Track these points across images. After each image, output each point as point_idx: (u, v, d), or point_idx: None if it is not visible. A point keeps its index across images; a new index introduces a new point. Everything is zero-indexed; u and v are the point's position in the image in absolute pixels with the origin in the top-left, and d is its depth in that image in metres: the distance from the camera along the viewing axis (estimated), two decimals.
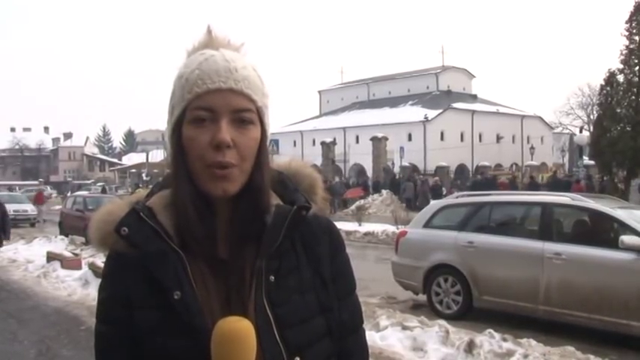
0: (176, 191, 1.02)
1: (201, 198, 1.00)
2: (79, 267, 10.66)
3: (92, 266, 9.71)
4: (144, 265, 0.99)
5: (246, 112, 1.00)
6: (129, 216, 1.01)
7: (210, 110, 0.98)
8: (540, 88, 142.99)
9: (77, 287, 9.42)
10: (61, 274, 10.32)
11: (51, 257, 11.51)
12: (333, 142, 41.84)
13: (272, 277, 1.00)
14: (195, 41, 1.06)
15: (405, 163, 39.45)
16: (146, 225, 1.00)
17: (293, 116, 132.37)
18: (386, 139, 39.08)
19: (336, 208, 26.51)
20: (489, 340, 5.45)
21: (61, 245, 14.66)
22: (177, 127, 1.02)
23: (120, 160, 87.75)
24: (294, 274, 1.04)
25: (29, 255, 13.12)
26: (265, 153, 1.04)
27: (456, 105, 57.00)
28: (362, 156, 45.84)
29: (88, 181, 62.54)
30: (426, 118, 53.40)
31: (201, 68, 1.00)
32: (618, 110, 25.45)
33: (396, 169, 38.72)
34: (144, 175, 52.44)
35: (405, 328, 6.00)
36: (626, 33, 25.45)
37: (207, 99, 0.98)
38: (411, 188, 28.58)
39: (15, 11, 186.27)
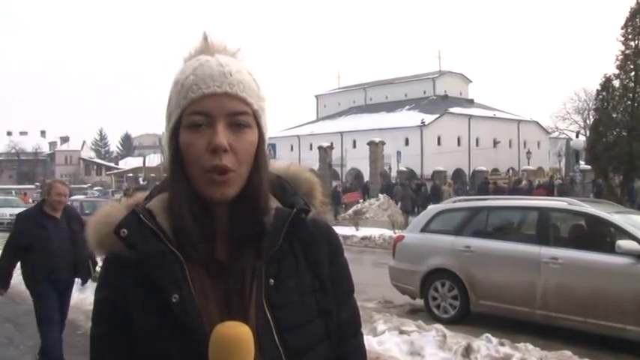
0: (172, 194, 1.03)
1: (198, 201, 1.00)
2: None
3: None
4: (142, 266, 0.99)
5: (241, 115, 1.00)
6: (128, 218, 1.01)
7: (206, 115, 0.98)
8: (537, 93, 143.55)
9: (73, 291, 9.35)
10: None
11: None
12: (330, 147, 41.79)
13: (272, 281, 1.00)
14: (191, 48, 1.07)
15: (402, 168, 39.51)
16: (145, 227, 1.00)
17: (290, 121, 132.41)
18: (383, 143, 39.11)
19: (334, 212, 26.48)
20: (486, 345, 5.46)
21: None
22: (175, 132, 1.02)
23: (117, 164, 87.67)
24: (294, 277, 1.04)
25: None
26: (263, 156, 1.04)
27: (452, 110, 57.14)
28: (359, 160, 45.86)
29: (85, 186, 62.40)
30: (422, 122, 53.52)
31: (196, 73, 1.00)
32: (614, 115, 25.57)
33: (393, 174, 38.76)
34: (141, 179, 52.41)
35: (402, 332, 5.99)
36: (622, 38, 25.62)
37: (203, 104, 0.99)
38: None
39: (12, 15, 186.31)
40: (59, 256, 5.02)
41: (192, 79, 1.00)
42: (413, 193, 26.66)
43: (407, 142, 53.49)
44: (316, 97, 78.80)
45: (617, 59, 25.68)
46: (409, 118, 56.62)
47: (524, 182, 28.80)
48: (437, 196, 24.82)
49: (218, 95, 0.99)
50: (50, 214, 5.04)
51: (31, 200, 46.59)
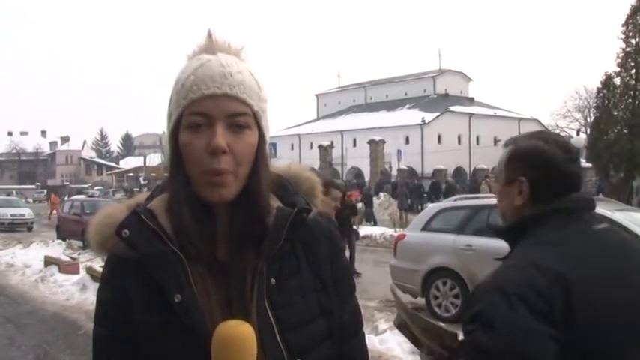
0: (172, 194, 1.02)
1: (199, 201, 1.00)
2: (76, 271, 10.65)
3: (90, 270, 9.70)
4: (144, 267, 0.98)
5: (241, 116, 1.00)
6: (130, 218, 1.01)
7: (206, 116, 0.98)
8: (537, 91, 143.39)
9: (75, 291, 9.40)
10: (59, 279, 10.31)
11: (48, 261, 11.49)
12: (331, 146, 41.84)
13: (273, 280, 1.00)
14: (195, 46, 1.06)
15: (403, 167, 39.49)
16: (147, 227, 0.99)
17: (290, 120, 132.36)
18: (383, 142, 39.13)
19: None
20: None
21: (58, 249, 14.61)
22: (175, 132, 1.01)
23: (117, 164, 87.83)
24: (295, 276, 1.04)
25: (27, 259, 13.09)
26: (263, 157, 1.04)
27: (453, 108, 57.13)
28: (359, 159, 45.84)
29: (86, 185, 62.49)
30: (423, 121, 53.48)
31: (197, 74, 1.00)
32: (615, 113, 25.56)
33: (394, 173, 38.75)
34: (141, 179, 52.46)
35: None
36: (623, 36, 25.60)
37: (202, 105, 0.98)
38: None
39: (13, 16, 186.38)
40: None
41: (192, 79, 0.99)
42: (408, 191, 26.65)
43: (407, 141, 53.45)
44: (316, 96, 78.80)
45: (617, 57, 25.69)
46: (409, 116, 56.60)
47: None
48: (451, 195, 24.78)
49: (218, 96, 0.98)
50: None
51: (31, 201, 46.69)
